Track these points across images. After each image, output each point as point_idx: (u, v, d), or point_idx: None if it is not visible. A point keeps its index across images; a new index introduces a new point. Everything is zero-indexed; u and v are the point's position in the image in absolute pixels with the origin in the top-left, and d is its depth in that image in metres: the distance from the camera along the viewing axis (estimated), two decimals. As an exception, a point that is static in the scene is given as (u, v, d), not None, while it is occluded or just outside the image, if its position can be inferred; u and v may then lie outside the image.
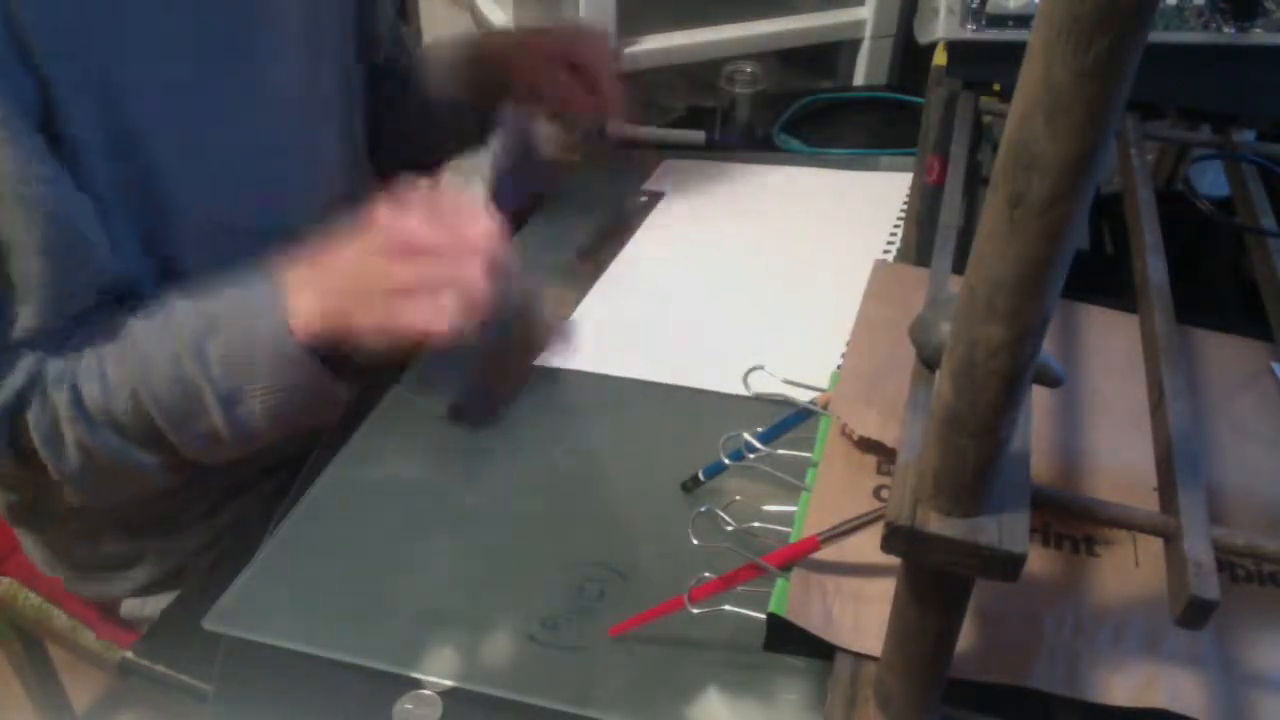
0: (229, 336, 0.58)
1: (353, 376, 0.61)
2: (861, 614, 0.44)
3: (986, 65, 0.68)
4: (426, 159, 0.88)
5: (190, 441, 0.60)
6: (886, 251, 0.78)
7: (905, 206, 0.84)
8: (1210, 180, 0.77)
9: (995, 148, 0.76)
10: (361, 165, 0.85)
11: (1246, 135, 0.70)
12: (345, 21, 0.80)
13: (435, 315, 0.56)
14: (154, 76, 0.62)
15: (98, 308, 0.61)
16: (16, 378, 0.58)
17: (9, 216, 0.55)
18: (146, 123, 0.62)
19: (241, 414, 0.58)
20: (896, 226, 0.81)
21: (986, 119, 0.73)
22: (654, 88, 1.15)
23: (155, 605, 0.77)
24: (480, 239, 0.58)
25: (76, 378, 0.59)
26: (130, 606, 0.82)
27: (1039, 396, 0.50)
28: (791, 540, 0.47)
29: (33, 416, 0.58)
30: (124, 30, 0.60)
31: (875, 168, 0.93)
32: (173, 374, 0.58)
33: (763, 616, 0.45)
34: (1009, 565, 0.32)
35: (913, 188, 0.76)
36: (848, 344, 0.56)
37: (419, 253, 0.57)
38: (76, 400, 0.58)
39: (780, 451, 0.53)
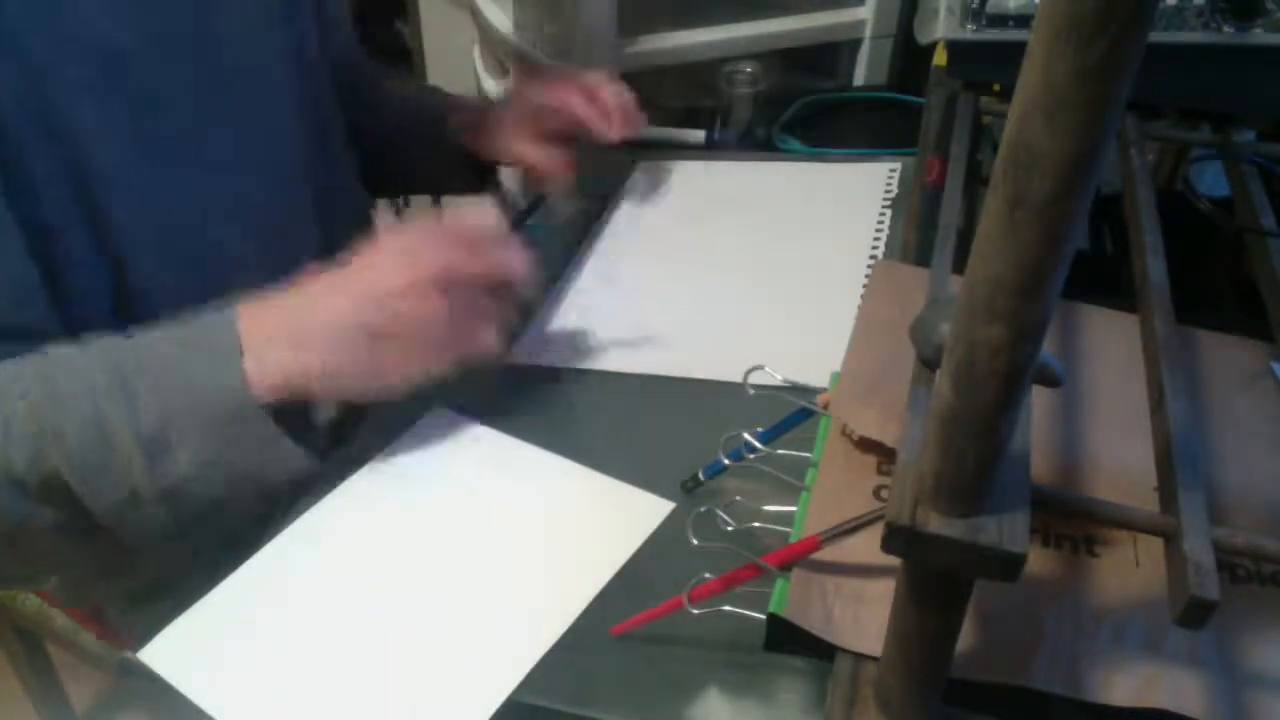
0: (162, 374, 0.52)
1: (318, 438, 0.57)
2: (861, 614, 0.44)
3: (986, 65, 0.68)
4: (398, 170, 0.88)
5: (103, 501, 0.52)
6: (876, 239, 0.79)
7: (887, 192, 0.85)
8: (1210, 180, 0.77)
9: (995, 148, 0.76)
10: (331, 151, 0.81)
11: (1246, 135, 0.70)
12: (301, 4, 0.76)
13: (483, 341, 0.56)
14: (95, 68, 0.57)
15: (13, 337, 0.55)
16: None
17: None
18: (87, 117, 0.56)
19: (166, 468, 0.51)
20: (883, 215, 0.82)
21: (986, 119, 0.73)
22: (654, 88, 1.15)
23: (144, 615, 0.74)
24: (515, 265, 0.58)
25: None
26: (116, 616, 0.81)
27: (1039, 396, 0.50)
28: (791, 540, 0.47)
29: None
30: (63, 22, 0.55)
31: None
32: (88, 413, 0.51)
33: (763, 616, 0.45)
34: (1009, 565, 0.32)
35: (913, 187, 0.76)
36: (848, 344, 0.56)
37: (462, 283, 0.55)
38: None
39: (780, 451, 0.53)
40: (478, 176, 0.93)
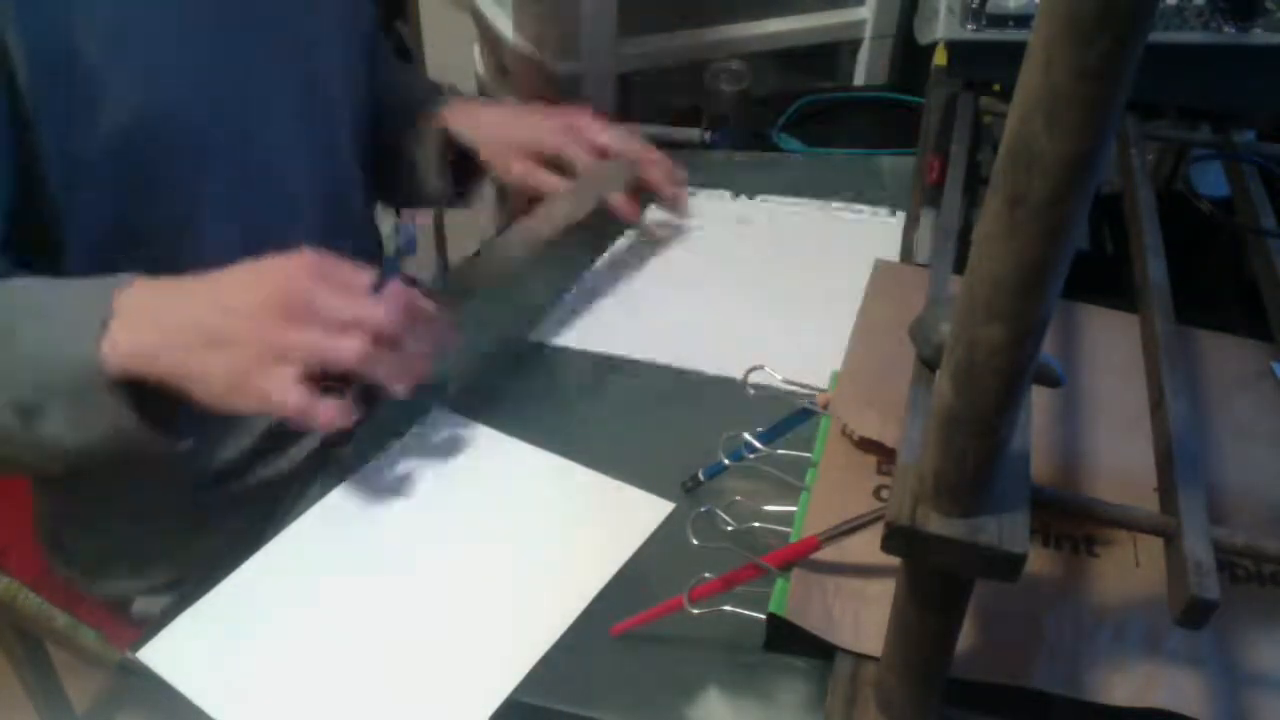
0: (34, 338, 0.53)
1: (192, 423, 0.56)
2: (861, 614, 0.44)
3: (986, 65, 0.68)
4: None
5: None
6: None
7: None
8: (1210, 180, 0.77)
9: (995, 148, 0.76)
10: (350, 148, 0.82)
11: (1246, 135, 0.70)
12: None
13: (292, 394, 0.53)
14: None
15: None
16: None
17: None
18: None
19: (40, 427, 0.54)
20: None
21: (986, 119, 0.73)
22: (654, 87, 1.16)
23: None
24: (379, 323, 0.55)
25: None
26: (143, 605, 0.82)
27: (1039, 396, 0.50)
28: (791, 540, 0.47)
29: None
30: None
31: (875, 168, 0.93)
32: None
33: (763, 616, 0.45)
34: (1009, 565, 0.32)
35: (913, 188, 0.76)
36: (848, 344, 0.56)
37: (307, 320, 0.53)
38: None
39: (780, 451, 0.53)
40: (457, 184, 0.90)
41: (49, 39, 0.57)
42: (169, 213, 0.66)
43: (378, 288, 0.57)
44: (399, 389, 0.56)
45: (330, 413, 0.54)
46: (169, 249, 0.66)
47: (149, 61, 0.60)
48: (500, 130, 0.83)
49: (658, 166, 0.81)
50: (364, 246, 0.88)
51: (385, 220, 1.36)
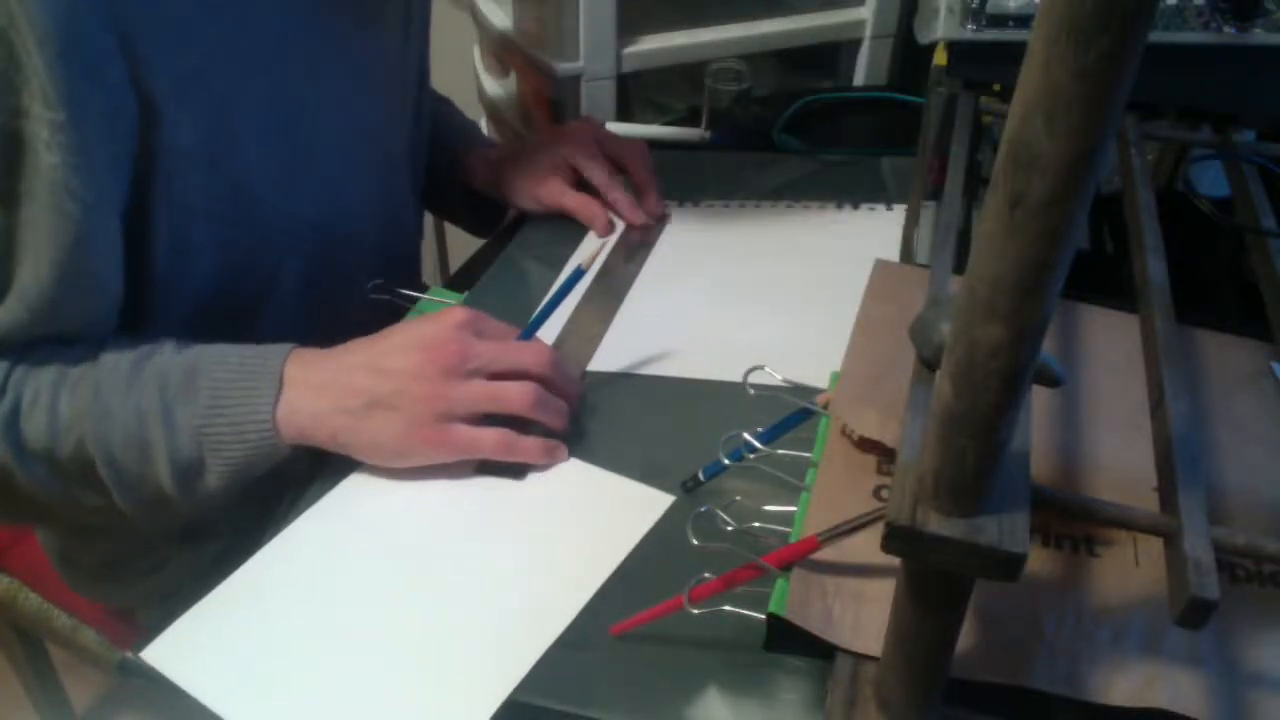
0: (205, 409, 0.56)
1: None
2: (861, 614, 0.44)
3: (986, 65, 0.68)
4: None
5: (132, 501, 0.58)
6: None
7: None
8: (1210, 180, 0.77)
9: (995, 148, 0.76)
10: (416, 179, 0.86)
11: (1246, 135, 0.70)
12: (425, 27, 0.82)
13: (485, 437, 0.57)
14: (260, 83, 0.61)
15: (72, 341, 0.59)
16: None
17: (40, 220, 0.53)
18: (246, 129, 0.61)
19: (195, 486, 0.57)
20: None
21: (986, 119, 0.73)
22: (654, 88, 1.16)
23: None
24: (536, 367, 0.59)
25: (21, 399, 0.56)
26: (148, 614, 0.82)
27: (1039, 396, 0.50)
28: (791, 540, 0.47)
29: None
30: (235, 37, 0.59)
31: (875, 168, 0.93)
32: (133, 434, 0.56)
33: (763, 616, 0.45)
34: (1009, 565, 0.32)
35: (913, 188, 0.76)
36: (848, 344, 0.56)
37: (467, 375, 0.57)
38: (12, 423, 0.56)
39: (780, 451, 0.53)
40: (480, 217, 0.94)
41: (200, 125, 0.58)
42: (255, 285, 0.68)
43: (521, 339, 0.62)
44: (561, 428, 0.60)
45: (537, 447, 0.58)
46: (246, 323, 0.68)
47: (238, 130, 0.61)
48: (520, 175, 0.85)
49: (645, 193, 0.84)
50: (412, 276, 0.91)
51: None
